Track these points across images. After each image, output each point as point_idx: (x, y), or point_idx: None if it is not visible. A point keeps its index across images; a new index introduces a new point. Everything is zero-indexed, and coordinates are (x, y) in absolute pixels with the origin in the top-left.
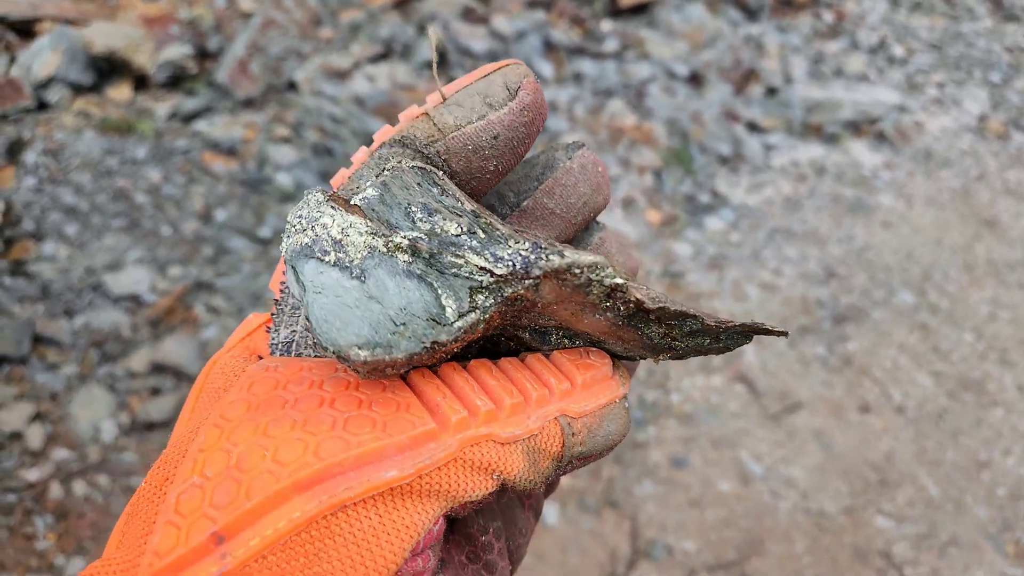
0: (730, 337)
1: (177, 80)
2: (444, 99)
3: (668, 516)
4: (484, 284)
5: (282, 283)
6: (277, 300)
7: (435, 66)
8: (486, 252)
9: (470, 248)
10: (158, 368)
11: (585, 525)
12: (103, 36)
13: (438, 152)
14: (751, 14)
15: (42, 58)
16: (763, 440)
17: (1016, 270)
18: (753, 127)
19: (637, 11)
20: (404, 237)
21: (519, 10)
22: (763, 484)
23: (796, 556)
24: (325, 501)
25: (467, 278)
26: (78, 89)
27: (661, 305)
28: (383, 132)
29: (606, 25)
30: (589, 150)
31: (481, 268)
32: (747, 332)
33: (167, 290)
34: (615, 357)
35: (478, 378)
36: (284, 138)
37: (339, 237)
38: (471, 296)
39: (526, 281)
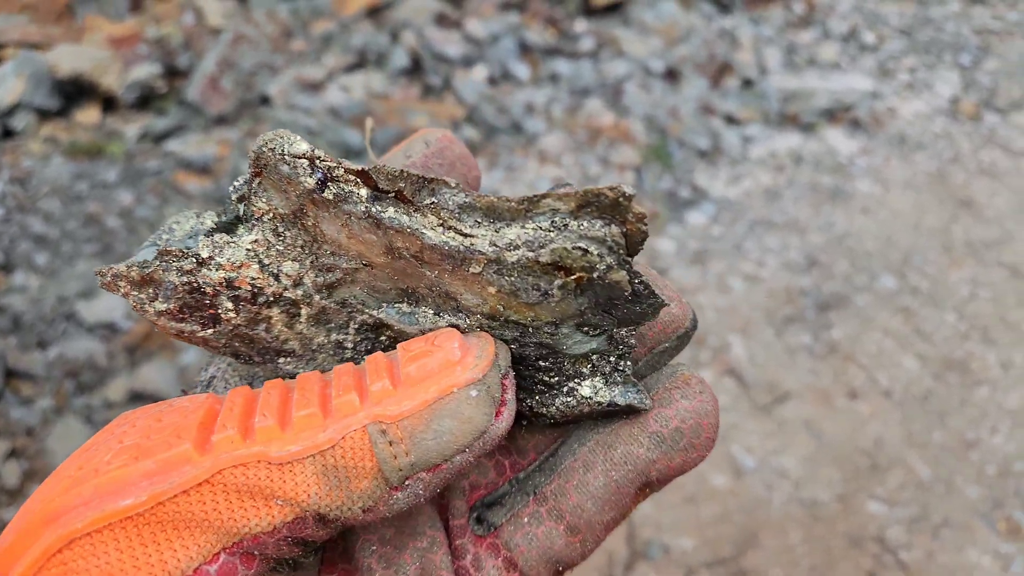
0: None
1: (147, 100)
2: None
3: (663, 515)
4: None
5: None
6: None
7: (369, 150)
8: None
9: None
10: (136, 396)
11: None
12: (69, 59)
13: None
14: (724, 7)
15: (6, 84)
16: (754, 432)
17: (993, 248)
18: (730, 120)
19: (611, 9)
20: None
21: (492, 13)
22: (756, 477)
23: (791, 547)
24: (59, 532)
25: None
26: (45, 114)
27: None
28: None
29: (580, 25)
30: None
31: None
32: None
33: None
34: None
35: (284, 391)
36: None
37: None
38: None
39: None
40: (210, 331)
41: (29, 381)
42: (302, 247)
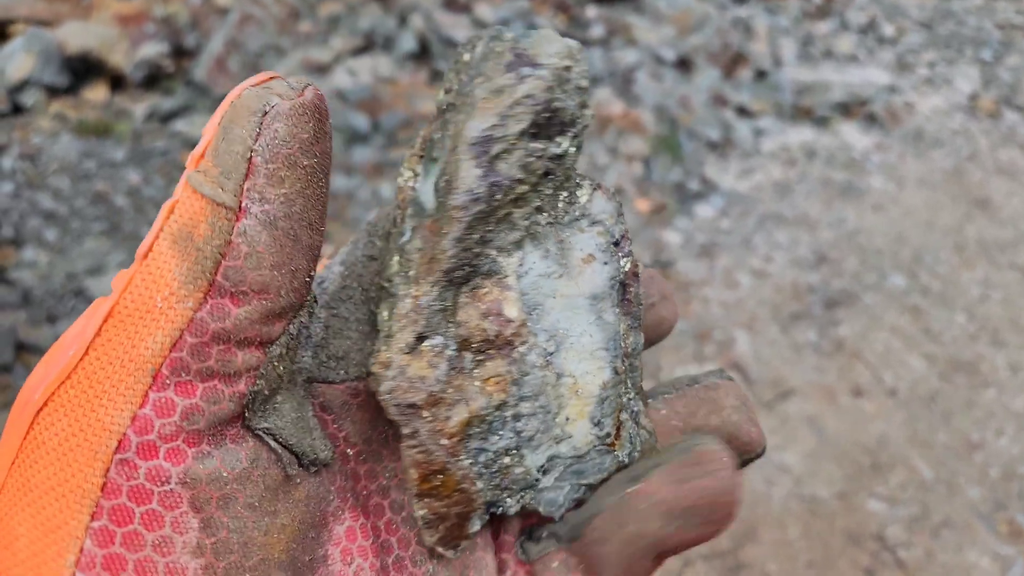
0: None
1: (154, 79)
2: None
3: None
4: None
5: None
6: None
7: None
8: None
9: None
10: None
11: None
12: (77, 36)
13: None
14: None
15: (15, 61)
16: None
17: (1007, 250)
18: (742, 111)
19: None
20: None
21: None
22: (757, 471)
23: (790, 542)
24: (28, 412)
25: None
26: (53, 91)
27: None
28: None
29: (591, 11)
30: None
31: None
32: None
33: None
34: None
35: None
36: None
37: None
38: None
39: None
40: None
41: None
42: None
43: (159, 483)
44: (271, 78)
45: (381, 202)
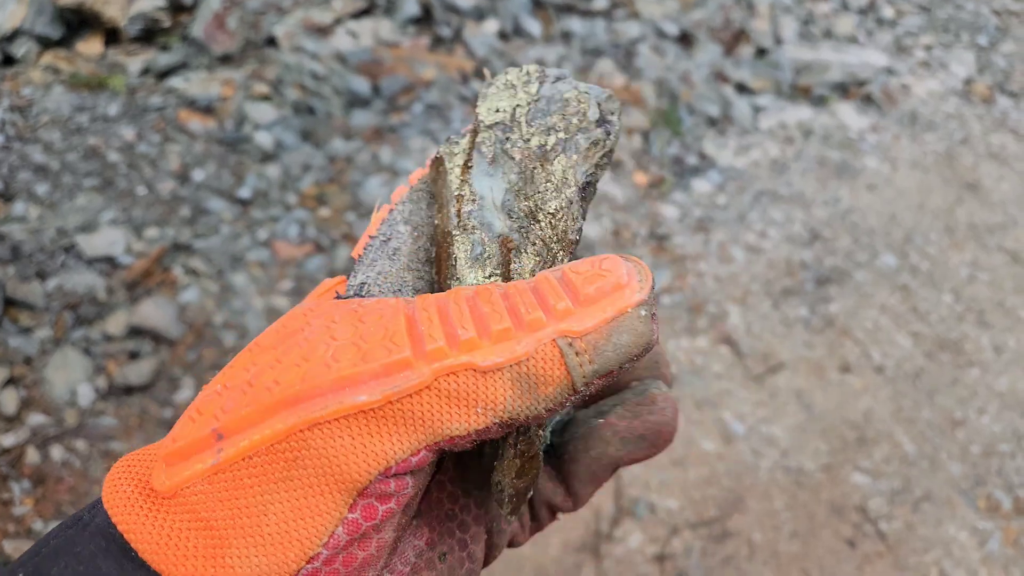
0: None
1: (150, 34)
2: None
3: (651, 475)
4: None
5: (371, 236)
6: (360, 255)
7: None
8: None
9: None
10: (135, 331)
11: None
12: None
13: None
14: None
15: (7, 10)
16: (746, 400)
17: (996, 233)
18: (742, 88)
19: None
20: None
21: None
22: (745, 443)
23: (775, 512)
24: (302, 416)
25: None
26: (46, 43)
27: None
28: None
29: None
30: (668, 395)
31: None
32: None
33: (143, 252)
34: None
35: (475, 302)
36: (263, 96)
37: None
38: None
39: None
40: None
41: (28, 310)
42: None
43: (385, 502)
44: (644, 275)
45: (380, 167)
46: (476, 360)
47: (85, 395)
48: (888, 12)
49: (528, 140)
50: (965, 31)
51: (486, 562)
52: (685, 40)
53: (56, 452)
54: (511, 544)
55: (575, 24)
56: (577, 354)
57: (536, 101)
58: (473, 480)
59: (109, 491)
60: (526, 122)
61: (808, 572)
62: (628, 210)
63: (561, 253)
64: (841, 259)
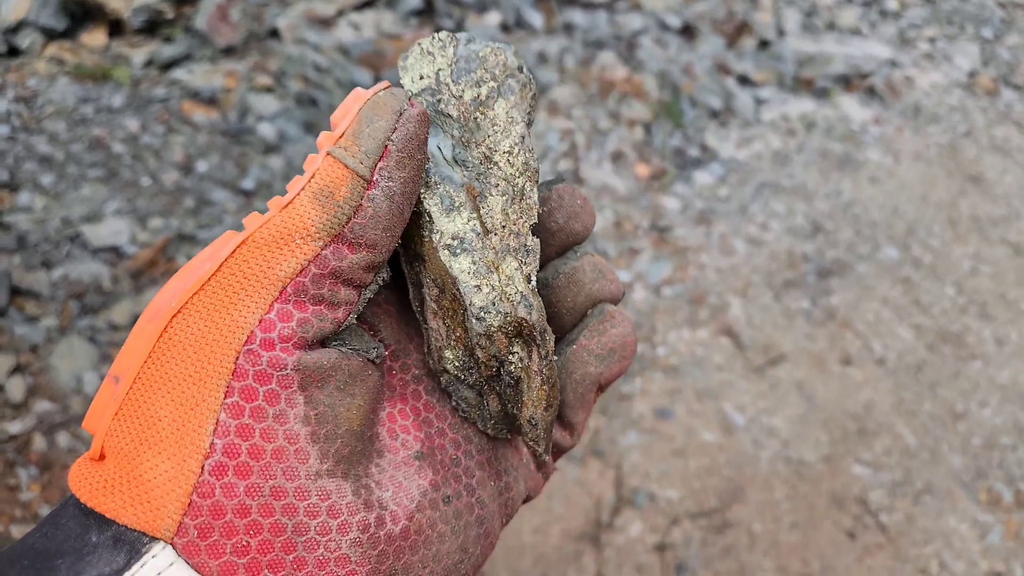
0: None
1: (154, 26)
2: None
3: (652, 465)
4: None
5: None
6: None
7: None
8: None
9: None
10: None
11: (571, 474)
12: None
13: None
14: None
15: (12, 1)
16: (746, 392)
17: (999, 226)
18: (744, 80)
19: None
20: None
21: None
22: (745, 434)
23: (775, 503)
24: (165, 317)
25: None
26: (50, 34)
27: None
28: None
29: None
30: (569, 184)
31: None
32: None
33: (148, 242)
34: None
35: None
36: (266, 87)
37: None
38: None
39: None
40: None
41: (34, 299)
42: None
43: (277, 368)
44: (389, 86)
45: None
46: (279, 202)
47: (91, 383)
48: (892, 4)
49: (460, 96)
50: (969, 23)
51: (508, 515)
52: (687, 32)
53: (62, 439)
54: (527, 498)
55: (577, 16)
56: (346, 149)
57: (456, 62)
58: (475, 428)
59: (71, 476)
60: (452, 81)
61: (808, 563)
62: (630, 202)
63: (528, 184)
64: (843, 251)
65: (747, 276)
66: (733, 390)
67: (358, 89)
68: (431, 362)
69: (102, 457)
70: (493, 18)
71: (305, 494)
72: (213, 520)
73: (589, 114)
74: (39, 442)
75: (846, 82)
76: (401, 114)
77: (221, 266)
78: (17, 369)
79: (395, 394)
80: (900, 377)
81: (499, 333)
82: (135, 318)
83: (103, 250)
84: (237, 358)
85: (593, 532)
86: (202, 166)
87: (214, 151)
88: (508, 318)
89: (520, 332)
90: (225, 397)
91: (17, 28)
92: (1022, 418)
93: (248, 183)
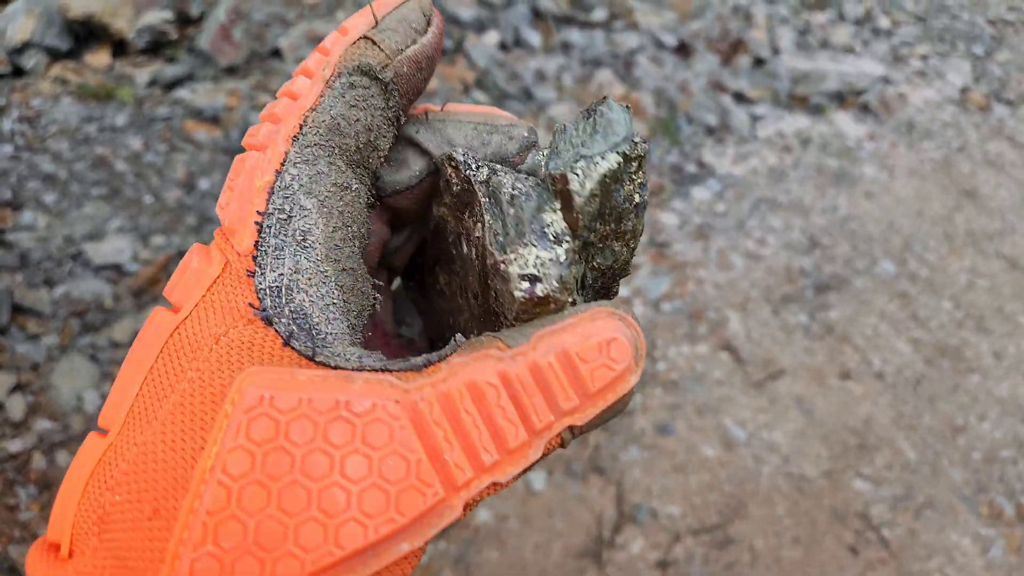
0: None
1: (157, 46)
2: (376, 22)
3: (653, 481)
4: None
5: (261, 212)
6: (256, 241)
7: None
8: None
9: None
10: None
11: (571, 490)
12: (80, 0)
13: (392, 78)
14: None
15: (17, 22)
16: (746, 407)
17: (994, 240)
18: (740, 98)
19: None
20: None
21: None
22: (746, 449)
23: (777, 519)
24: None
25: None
26: (55, 55)
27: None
28: (333, 43)
29: None
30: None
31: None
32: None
33: (150, 259)
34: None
35: (486, 410)
36: None
37: None
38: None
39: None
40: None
41: (35, 317)
42: None
43: None
44: (641, 349)
45: None
46: (498, 479)
47: (91, 401)
48: (884, 22)
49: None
50: (961, 40)
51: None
52: (683, 50)
53: (62, 458)
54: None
55: (575, 35)
56: (574, 436)
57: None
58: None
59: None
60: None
61: None
62: None
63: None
64: (840, 266)
65: (745, 291)
66: (733, 405)
67: (625, 351)
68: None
69: (71, 555)
70: (492, 37)
71: None
72: None
73: None
74: (39, 461)
75: (840, 99)
76: (427, 19)
77: (426, 542)
78: (17, 387)
79: None
80: (899, 391)
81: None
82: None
83: (105, 268)
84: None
85: (594, 549)
86: (204, 184)
87: (216, 169)
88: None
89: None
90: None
91: (22, 49)
92: (1022, 431)
93: None
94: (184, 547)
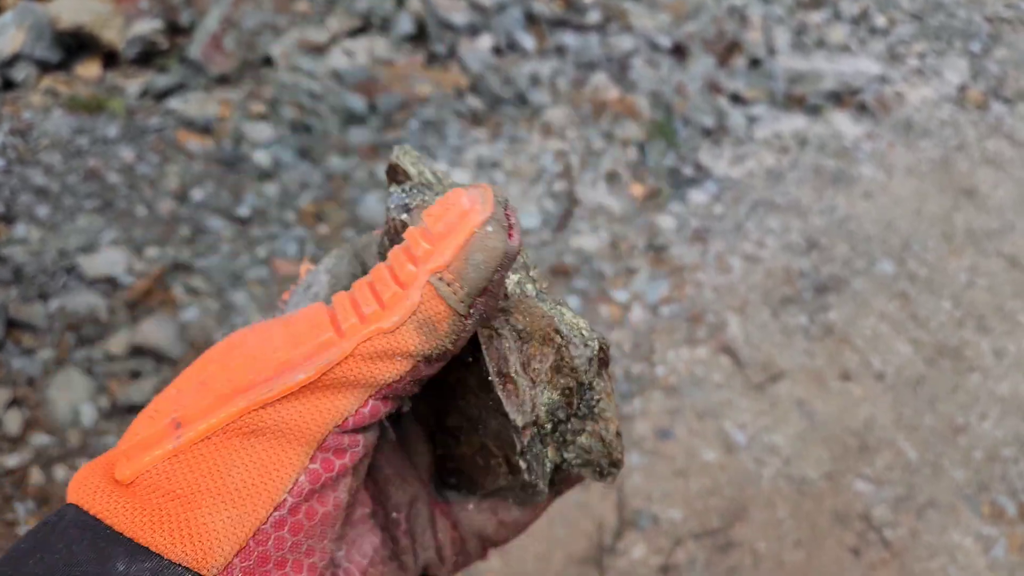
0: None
1: (148, 56)
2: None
3: (654, 486)
4: None
5: (295, 284)
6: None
7: None
8: None
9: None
10: (137, 351)
11: (573, 497)
12: (70, 11)
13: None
14: None
15: (6, 35)
16: (747, 410)
17: (993, 238)
18: (736, 99)
19: None
20: None
21: None
22: (746, 453)
23: (779, 521)
24: (253, 399)
25: None
26: (45, 67)
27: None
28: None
29: None
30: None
31: None
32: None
33: (144, 271)
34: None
35: (371, 282)
36: (261, 115)
37: None
38: None
39: None
40: None
41: (30, 332)
42: None
43: (352, 446)
44: (492, 206)
45: (377, 183)
46: (383, 325)
47: (88, 415)
48: (880, 21)
49: None
50: (958, 38)
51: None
52: (679, 52)
53: (59, 472)
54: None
55: (569, 38)
56: (448, 284)
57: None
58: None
59: (76, 487)
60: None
61: None
62: (625, 222)
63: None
64: (839, 267)
65: (744, 294)
66: (733, 408)
67: (459, 191)
68: (519, 418)
69: (127, 484)
70: (485, 42)
71: (324, 554)
72: (257, 566)
73: (583, 135)
74: (36, 476)
75: (837, 99)
76: (506, 257)
77: (323, 374)
78: (14, 402)
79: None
80: (900, 392)
81: (596, 357)
82: (131, 348)
83: (99, 281)
84: (327, 435)
85: (596, 556)
86: (197, 194)
87: (209, 179)
88: (601, 341)
89: (606, 354)
90: (309, 463)
91: (12, 61)
92: (1023, 430)
93: (243, 210)
94: (156, 397)
